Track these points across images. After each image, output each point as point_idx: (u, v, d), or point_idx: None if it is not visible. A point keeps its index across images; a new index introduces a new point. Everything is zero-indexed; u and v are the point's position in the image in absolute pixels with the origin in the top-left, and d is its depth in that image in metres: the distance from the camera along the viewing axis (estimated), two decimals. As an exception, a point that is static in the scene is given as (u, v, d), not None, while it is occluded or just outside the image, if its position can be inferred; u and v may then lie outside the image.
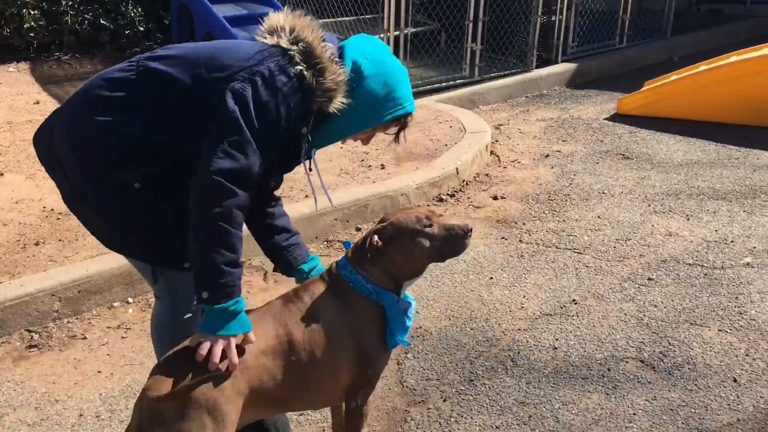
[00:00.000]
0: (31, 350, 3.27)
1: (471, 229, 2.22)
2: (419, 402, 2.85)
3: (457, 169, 5.11)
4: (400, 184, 4.76)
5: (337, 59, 2.16)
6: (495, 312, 3.48)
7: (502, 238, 4.33)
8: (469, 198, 4.95)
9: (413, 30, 7.23)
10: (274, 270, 2.54)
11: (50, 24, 7.51)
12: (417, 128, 6.02)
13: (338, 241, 4.33)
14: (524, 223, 4.51)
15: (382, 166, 5.13)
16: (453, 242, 2.21)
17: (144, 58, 2.13)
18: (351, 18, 7.66)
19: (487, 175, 5.40)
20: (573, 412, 2.77)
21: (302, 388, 2.23)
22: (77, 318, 3.48)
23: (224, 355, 1.98)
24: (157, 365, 2.08)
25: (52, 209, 4.28)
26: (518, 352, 3.16)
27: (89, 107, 2.10)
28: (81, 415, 2.80)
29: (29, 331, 3.39)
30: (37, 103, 6.36)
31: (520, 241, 4.27)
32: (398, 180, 4.83)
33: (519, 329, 3.33)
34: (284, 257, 2.44)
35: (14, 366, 3.15)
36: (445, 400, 2.86)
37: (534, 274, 3.86)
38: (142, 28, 8.06)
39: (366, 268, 2.22)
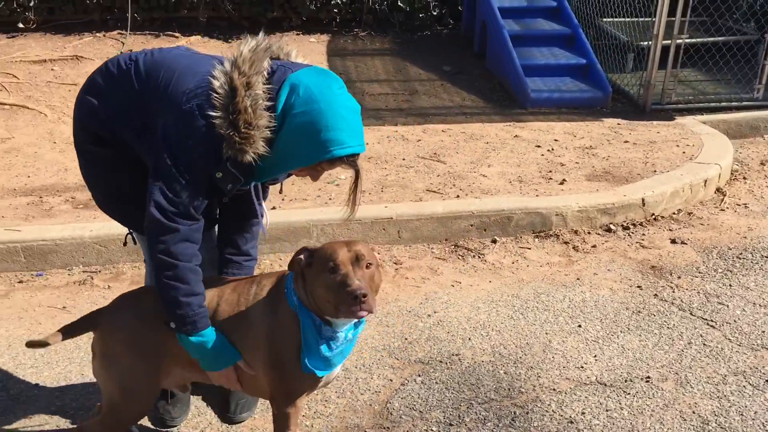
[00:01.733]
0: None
1: (361, 296, 1.97)
2: (383, 427, 2.71)
3: (643, 200, 4.47)
4: (559, 202, 4.36)
5: (264, 103, 2.07)
6: (547, 364, 3.08)
7: (638, 287, 3.73)
8: (643, 235, 4.32)
9: (688, 40, 6.33)
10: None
11: (353, 2, 8.25)
12: (643, 147, 5.38)
13: (467, 248, 4.17)
14: (679, 277, 3.81)
15: (563, 182, 4.73)
16: (342, 301, 2.01)
17: (140, 59, 2.29)
18: (626, 19, 7.03)
19: (690, 213, 4.62)
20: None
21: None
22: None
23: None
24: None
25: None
26: (527, 413, 2.78)
27: (86, 86, 2.40)
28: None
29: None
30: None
31: (655, 295, 3.64)
32: (561, 198, 4.42)
33: (553, 389, 2.91)
34: (224, 266, 2.55)
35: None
36: (407, 434, 2.68)
37: (632, 335, 3.28)
38: (434, 13, 8.40)
39: (297, 282, 2.20)
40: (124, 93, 2.26)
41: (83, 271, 3.90)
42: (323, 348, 2.15)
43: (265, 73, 2.13)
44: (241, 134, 2.04)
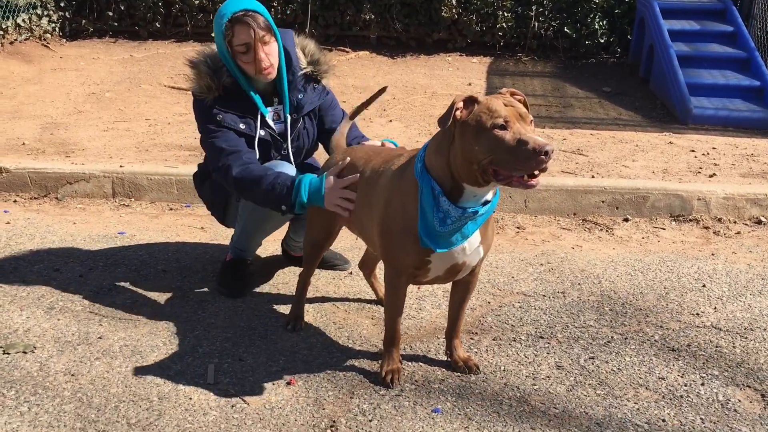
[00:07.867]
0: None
1: (548, 151, 1.82)
2: (472, 333, 2.67)
3: (804, 194, 4.10)
4: (703, 188, 4.10)
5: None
6: (659, 309, 2.88)
7: (781, 265, 3.40)
8: (799, 229, 3.94)
9: None
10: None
11: (519, 27, 8.37)
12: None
13: (597, 224, 4.02)
14: (832, 262, 3.43)
15: (712, 175, 4.45)
16: (519, 158, 1.85)
17: None
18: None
19: None
20: (606, 370, 2.24)
21: (362, 223, 2.39)
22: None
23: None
24: None
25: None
26: (626, 339, 2.61)
27: None
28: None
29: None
30: (470, 84, 7.28)
31: (800, 273, 3.30)
32: (705, 185, 4.16)
33: (660, 326, 2.71)
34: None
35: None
36: (494, 339, 2.61)
37: (764, 297, 2.99)
38: (602, 41, 8.31)
39: (430, 153, 2.09)
40: None
41: (224, 206, 4.21)
42: (437, 221, 2.03)
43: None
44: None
